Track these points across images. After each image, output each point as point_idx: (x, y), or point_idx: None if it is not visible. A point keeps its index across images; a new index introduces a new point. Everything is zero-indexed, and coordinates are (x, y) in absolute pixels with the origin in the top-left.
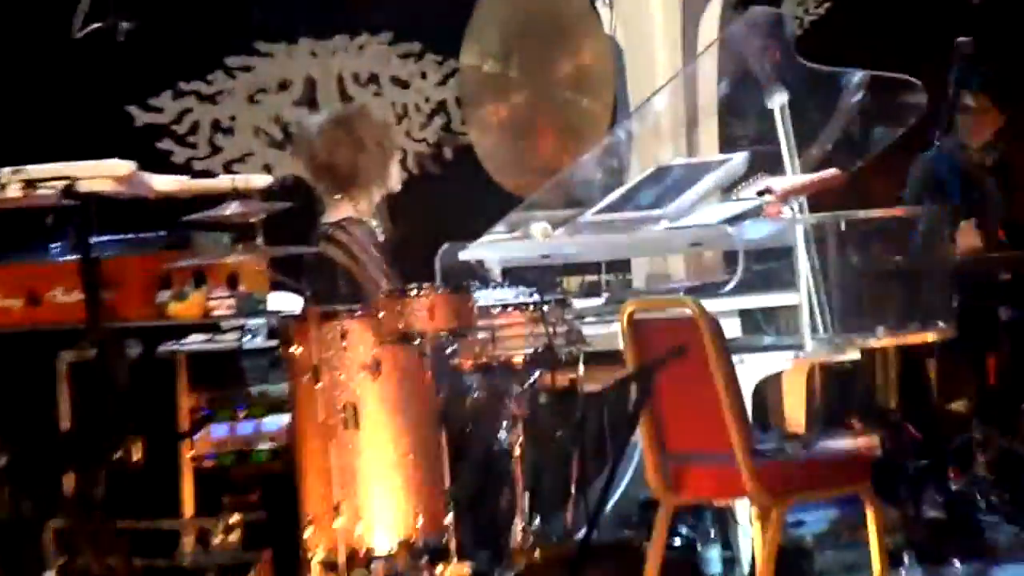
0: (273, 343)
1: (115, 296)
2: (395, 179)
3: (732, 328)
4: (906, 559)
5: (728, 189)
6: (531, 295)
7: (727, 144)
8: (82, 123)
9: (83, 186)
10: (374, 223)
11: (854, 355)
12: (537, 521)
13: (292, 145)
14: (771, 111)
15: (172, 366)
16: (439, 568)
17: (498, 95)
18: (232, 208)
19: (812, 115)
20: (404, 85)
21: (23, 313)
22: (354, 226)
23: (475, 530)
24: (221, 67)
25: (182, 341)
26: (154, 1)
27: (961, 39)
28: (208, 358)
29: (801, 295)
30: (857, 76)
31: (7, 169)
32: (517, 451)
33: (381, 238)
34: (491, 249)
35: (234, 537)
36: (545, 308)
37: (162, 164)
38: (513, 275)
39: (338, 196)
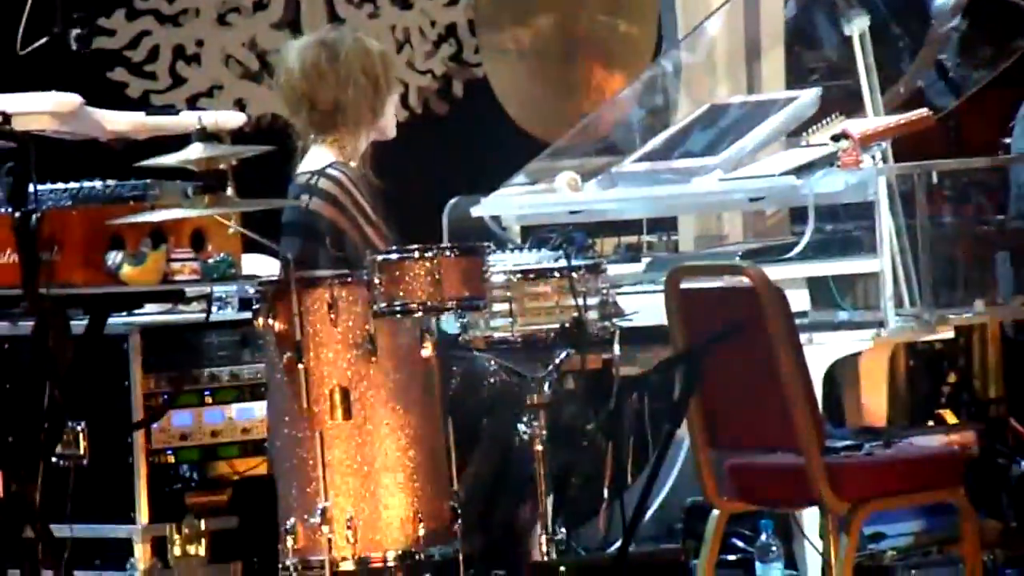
0: (246, 315)
1: (56, 257)
2: (391, 124)
3: (800, 301)
4: None
5: (796, 133)
6: (557, 259)
7: (795, 79)
8: (16, 48)
9: (18, 124)
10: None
11: (947, 334)
12: (563, 531)
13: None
14: (849, 39)
15: (125, 342)
16: None
17: (519, 17)
18: (198, 152)
19: (898, 44)
20: (406, 4)
21: None
22: (343, 172)
23: (488, 541)
24: None
25: (137, 312)
26: None
27: None
28: (168, 333)
29: (883, 261)
30: None
31: None
32: (539, 446)
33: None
34: (509, 204)
35: (198, 547)
36: (574, 275)
37: (114, 98)
38: (536, 235)
39: (320, 138)
